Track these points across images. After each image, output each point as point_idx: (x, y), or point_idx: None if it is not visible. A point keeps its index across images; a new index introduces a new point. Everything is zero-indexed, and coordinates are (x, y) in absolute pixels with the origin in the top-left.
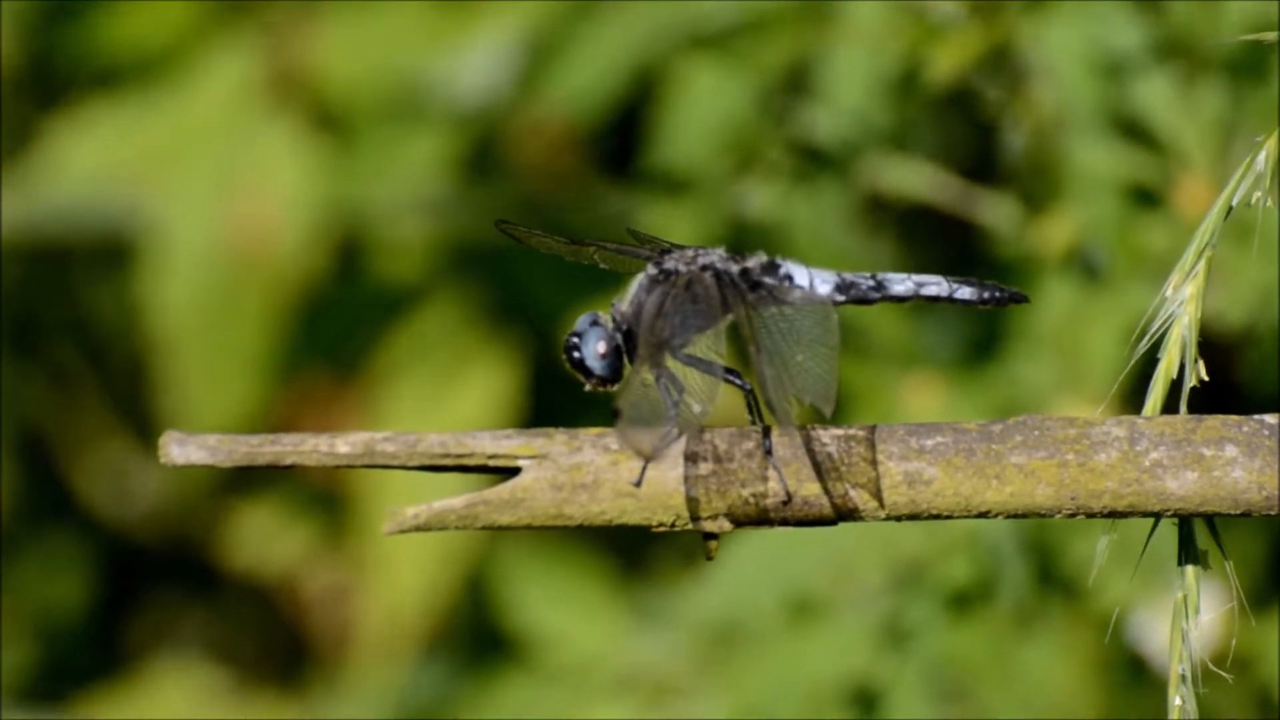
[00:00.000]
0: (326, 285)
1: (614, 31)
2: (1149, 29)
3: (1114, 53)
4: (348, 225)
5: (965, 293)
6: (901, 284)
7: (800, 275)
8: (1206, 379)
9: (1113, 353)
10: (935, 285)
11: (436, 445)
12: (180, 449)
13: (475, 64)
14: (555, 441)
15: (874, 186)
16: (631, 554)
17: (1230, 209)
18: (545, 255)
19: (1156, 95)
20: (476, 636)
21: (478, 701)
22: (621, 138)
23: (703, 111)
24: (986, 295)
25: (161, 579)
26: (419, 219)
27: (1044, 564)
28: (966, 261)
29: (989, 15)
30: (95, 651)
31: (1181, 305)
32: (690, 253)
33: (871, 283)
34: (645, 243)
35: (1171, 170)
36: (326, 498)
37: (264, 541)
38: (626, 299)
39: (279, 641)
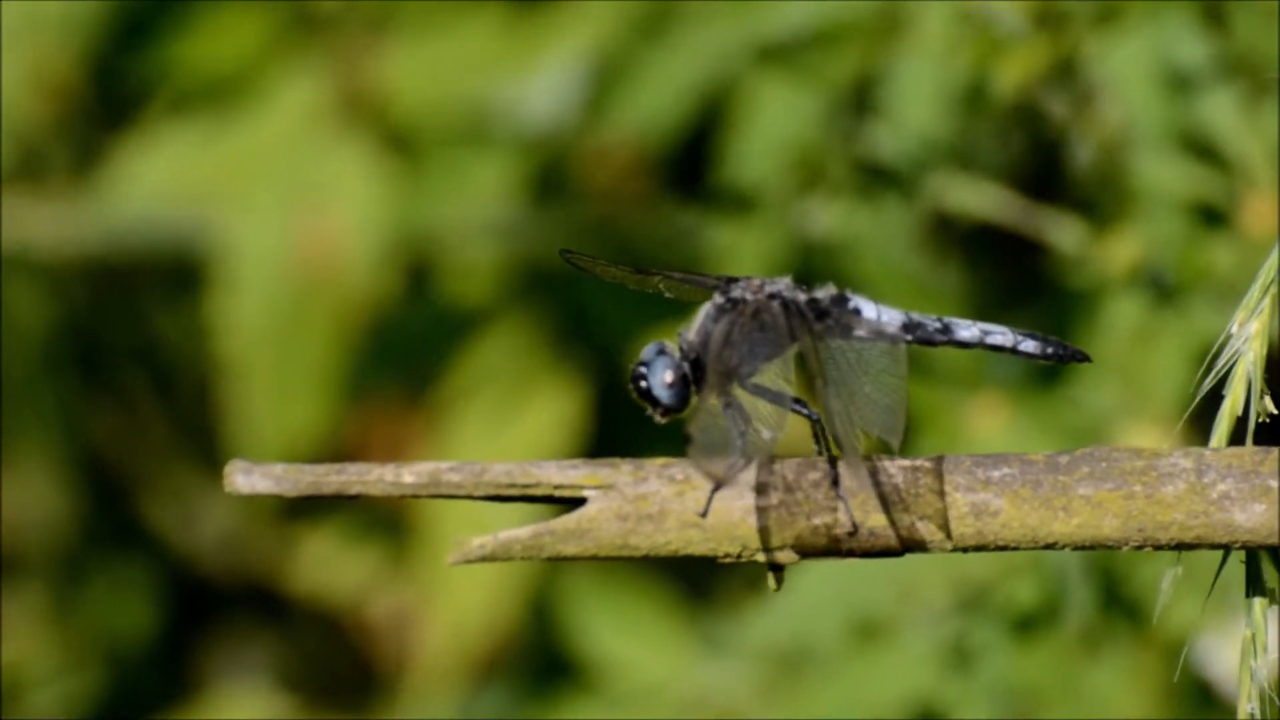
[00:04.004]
0: (395, 307)
1: (682, 54)
2: (1214, 45)
3: (1180, 69)
4: (416, 247)
5: (1029, 346)
6: (967, 330)
7: (868, 309)
8: (1276, 412)
9: (1177, 374)
10: (1001, 335)
11: (502, 475)
12: (245, 478)
13: (543, 87)
14: (621, 472)
15: (938, 205)
16: (696, 581)
17: None
18: (612, 282)
19: (1222, 112)
20: (541, 662)
21: None
22: (690, 160)
23: (770, 129)
24: (1050, 351)
25: (228, 605)
26: (487, 242)
27: (1110, 587)
28: (1030, 282)
29: (1055, 29)
30: (162, 678)
31: (1246, 342)
32: (757, 282)
33: (938, 325)
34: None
35: (1237, 189)
36: (391, 522)
37: (329, 567)
38: (693, 328)
39: (345, 667)
